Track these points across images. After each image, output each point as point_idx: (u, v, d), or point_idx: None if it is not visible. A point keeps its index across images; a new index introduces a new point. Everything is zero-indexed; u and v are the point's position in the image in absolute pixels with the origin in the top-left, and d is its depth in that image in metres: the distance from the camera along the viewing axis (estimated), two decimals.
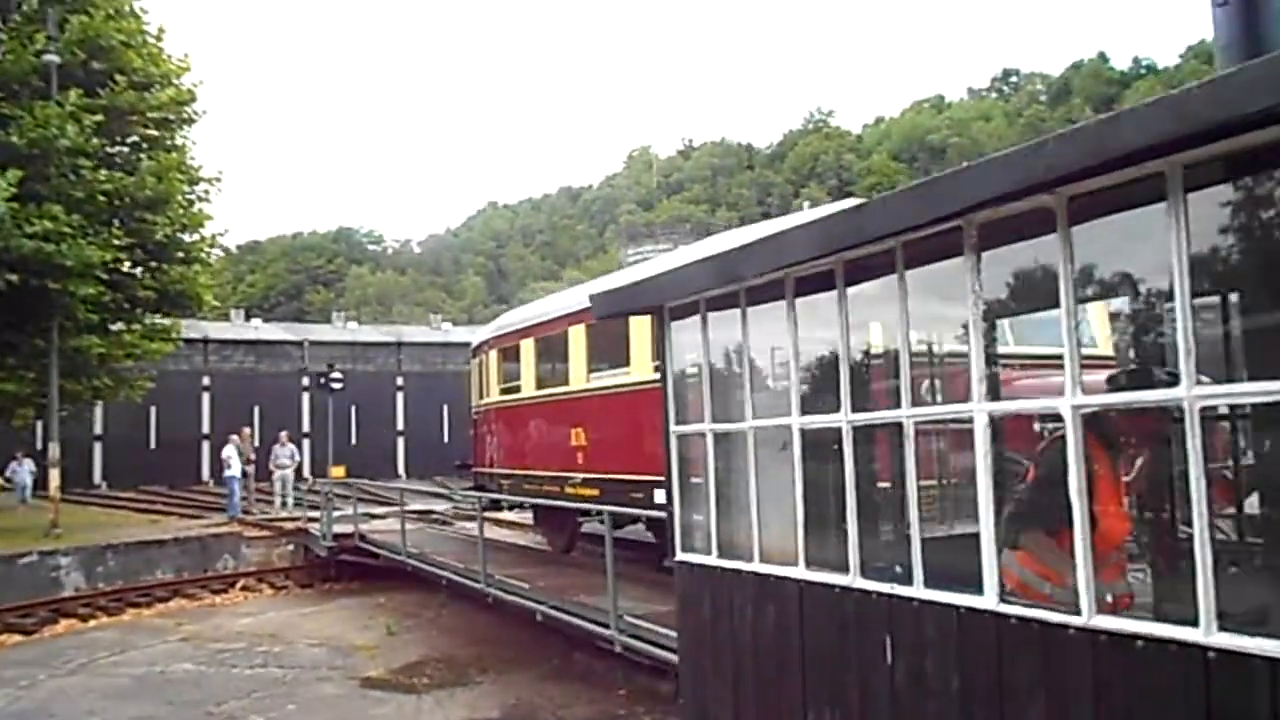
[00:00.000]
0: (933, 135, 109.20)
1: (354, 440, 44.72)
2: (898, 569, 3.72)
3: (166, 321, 24.11)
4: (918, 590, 3.59)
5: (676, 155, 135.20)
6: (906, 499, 3.61)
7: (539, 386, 13.55)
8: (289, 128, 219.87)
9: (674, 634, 9.13)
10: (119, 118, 22.24)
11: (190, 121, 24.31)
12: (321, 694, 12.40)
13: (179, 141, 24.35)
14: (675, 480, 4.69)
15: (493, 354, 15.16)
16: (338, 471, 25.03)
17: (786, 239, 4.14)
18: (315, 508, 21.55)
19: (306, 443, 40.40)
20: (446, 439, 49.13)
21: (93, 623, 16.87)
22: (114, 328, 23.34)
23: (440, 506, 24.31)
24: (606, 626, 9.71)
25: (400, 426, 49.49)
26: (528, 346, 13.79)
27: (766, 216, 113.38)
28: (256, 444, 25.79)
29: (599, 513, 10.44)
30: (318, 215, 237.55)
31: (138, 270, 23.02)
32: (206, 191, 24.45)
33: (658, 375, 10.75)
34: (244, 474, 23.39)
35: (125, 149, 23.68)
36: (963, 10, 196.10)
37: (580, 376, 12.18)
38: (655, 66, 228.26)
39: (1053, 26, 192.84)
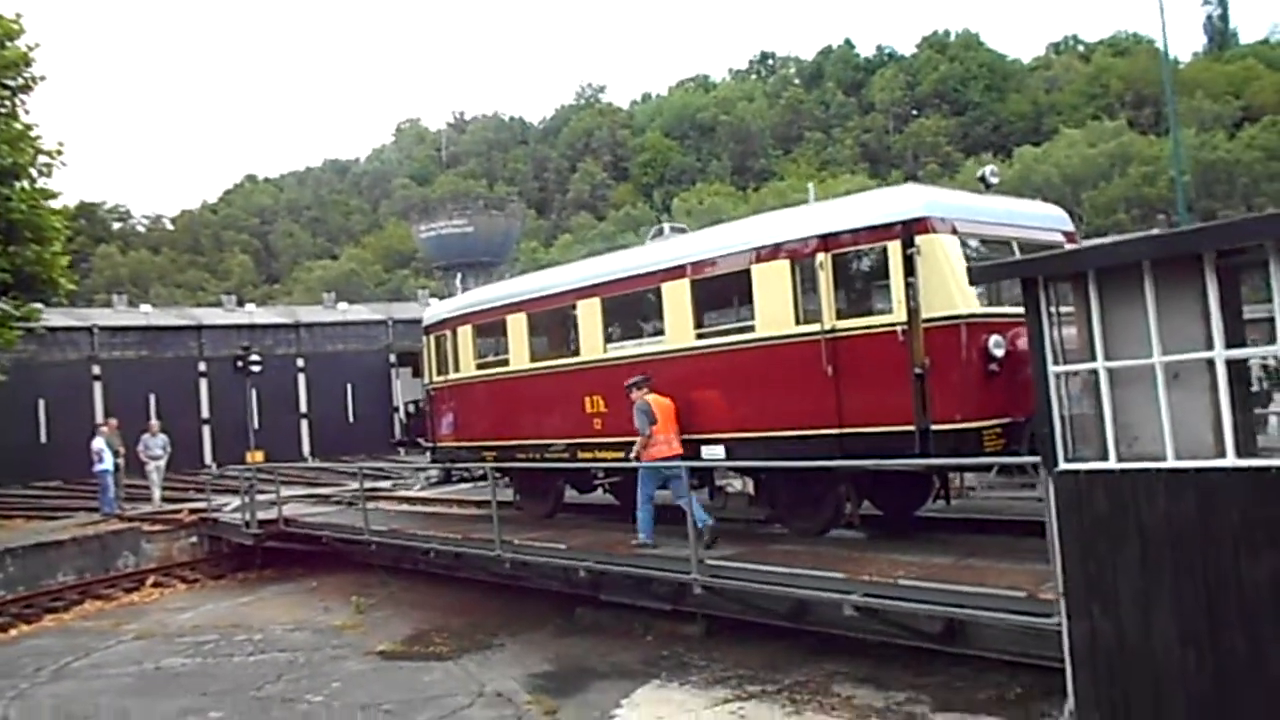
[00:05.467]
0: (702, 113, 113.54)
1: None
2: None
3: (14, 307, 21.91)
4: None
5: (449, 129, 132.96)
6: None
7: (534, 359, 14.05)
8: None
9: (759, 568, 10.16)
10: None
11: (28, 88, 22.21)
12: (353, 670, 12.41)
13: (15, 110, 22.21)
14: (1055, 408, 5.84)
15: (464, 330, 15.39)
16: (256, 456, 23.82)
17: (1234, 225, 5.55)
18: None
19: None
20: (258, 425, 47.07)
21: (14, 631, 15.67)
22: None
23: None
24: (687, 573, 10.55)
25: (205, 415, 46.77)
26: (518, 321, 14.22)
27: (543, 191, 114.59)
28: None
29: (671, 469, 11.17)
30: (53, 189, 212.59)
31: None
32: (48, 166, 22.51)
33: (699, 342, 11.75)
34: (116, 467, 21.88)
35: None
36: None
37: (595, 347, 12.85)
38: (419, 38, 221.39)
39: (803, 11, 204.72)
